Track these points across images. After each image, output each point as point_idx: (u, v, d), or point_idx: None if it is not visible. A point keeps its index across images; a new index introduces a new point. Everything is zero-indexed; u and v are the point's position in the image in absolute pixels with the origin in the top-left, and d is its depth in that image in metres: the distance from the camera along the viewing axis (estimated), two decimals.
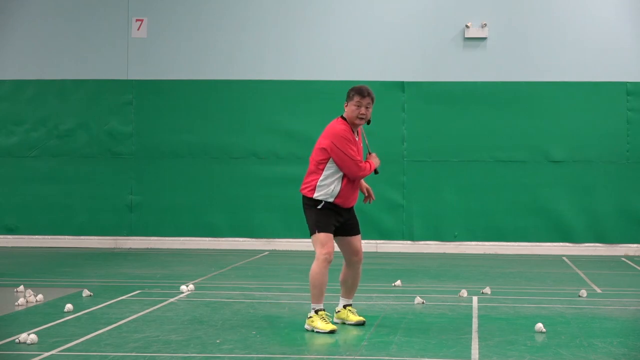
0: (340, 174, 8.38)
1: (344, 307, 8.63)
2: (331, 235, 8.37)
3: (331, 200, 8.38)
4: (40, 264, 14.35)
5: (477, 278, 12.62)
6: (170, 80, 17.21)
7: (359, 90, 8.40)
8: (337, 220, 8.42)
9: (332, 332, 8.21)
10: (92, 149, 17.25)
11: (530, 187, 16.58)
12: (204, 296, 10.57)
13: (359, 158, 8.42)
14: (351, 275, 8.57)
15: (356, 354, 7.41)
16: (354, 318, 8.57)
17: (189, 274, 12.81)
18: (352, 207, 8.55)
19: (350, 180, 8.42)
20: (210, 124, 17.11)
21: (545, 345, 7.78)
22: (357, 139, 8.49)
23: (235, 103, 17.09)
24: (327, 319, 8.31)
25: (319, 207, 8.37)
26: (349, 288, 8.62)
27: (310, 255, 8.83)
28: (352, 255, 8.50)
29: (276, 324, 8.63)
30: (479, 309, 9.76)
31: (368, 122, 8.50)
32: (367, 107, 8.38)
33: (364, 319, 8.61)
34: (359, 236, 8.58)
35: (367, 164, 8.51)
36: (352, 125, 8.46)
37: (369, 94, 8.41)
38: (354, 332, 8.34)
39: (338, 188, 8.37)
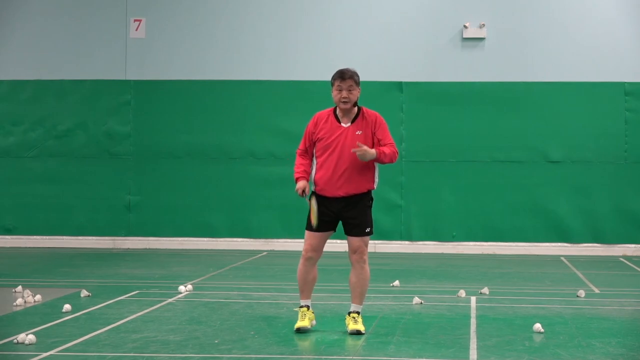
0: (315, 160, 8.34)
1: (349, 313, 8.28)
2: (312, 233, 8.26)
3: (313, 189, 8.35)
4: (39, 264, 14.35)
5: (475, 278, 12.63)
6: (169, 81, 17.21)
7: (340, 74, 8.24)
8: (325, 212, 8.22)
9: (297, 330, 8.23)
10: (90, 149, 17.24)
11: (528, 188, 16.59)
12: (202, 296, 10.57)
13: (300, 147, 8.39)
14: (353, 274, 8.27)
15: (354, 354, 7.41)
16: (352, 325, 8.16)
17: (187, 274, 12.81)
18: (347, 199, 8.19)
19: (322, 165, 8.23)
20: (208, 124, 17.11)
21: (544, 346, 7.79)
22: (345, 125, 8.22)
23: (233, 103, 17.10)
24: (303, 317, 8.28)
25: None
26: (352, 290, 8.27)
27: None
28: (350, 253, 8.31)
29: (274, 324, 8.63)
30: (477, 309, 9.76)
31: (355, 105, 8.26)
32: (349, 90, 8.19)
33: (359, 330, 8.13)
34: (360, 237, 8.22)
35: (297, 169, 8.28)
36: (340, 112, 8.29)
37: (350, 77, 8.21)
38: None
39: (313, 174, 8.32)
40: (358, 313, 8.27)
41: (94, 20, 17.35)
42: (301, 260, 8.38)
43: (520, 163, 16.66)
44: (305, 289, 8.36)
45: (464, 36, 16.77)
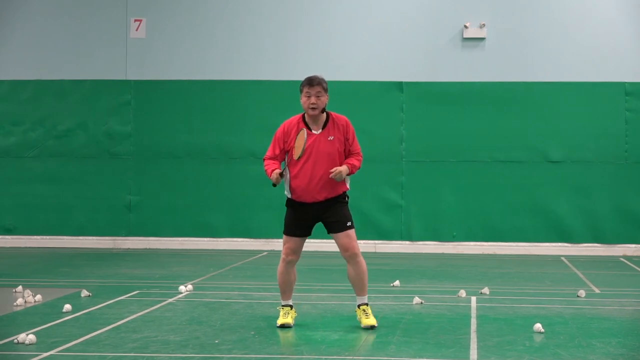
0: (287, 169, 8.46)
1: (358, 306, 8.53)
2: (291, 238, 8.45)
3: (290, 196, 8.51)
4: (39, 264, 14.35)
5: (475, 278, 12.62)
6: (169, 81, 17.21)
7: (308, 81, 8.42)
8: (302, 217, 8.43)
9: (281, 326, 8.45)
10: (91, 149, 17.25)
11: (528, 188, 16.59)
12: (202, 296, 10.58)
13: (268, 154, 8.49)
14: (351, 270, 8.48)
15: (354, 354, 7.41)
16: (365, 321, 8.43)
17: (187, 274, 12.81)
18: (325, 203, 8.40)
19: (296, 174, 8.38)
20: (208, 124, 17.11)
21: (544, 346, 7.79)
22: (316, 132, 8.36)
23: (233, 103, 17.10)
24: (286, 315, 8.51)
25: (286, 204, 8.57)
26: (354, 285, 8.53)
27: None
28: (342, 252, 8.51)
29: (274, 324, 8.62)
30: (478, 309, 9.76)
31: (323, 111, 8.42)
32: (317, 96, 8.35)
33: (374, 323, 8.42)
34: (344, 232, 8.41)
35: (269, 167, 8.39)
36: (309, 118, 8.43)
37: (318, 83, 8.38)
38: (353, 332, 8.34)
39: (288, 183, 8.48)
40: (367, 304, 8.51)
41: (94, 20, 17.35)
42: (281, 264, 8.57)
43: (520, 163, 16.65)
44: (287, 290, 8.61)
45: (464, 36, 16.77)
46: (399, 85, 16.82)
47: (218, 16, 17.21)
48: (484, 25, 16.74)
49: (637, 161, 16.48)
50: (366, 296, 8.54)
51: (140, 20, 17.27)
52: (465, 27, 16.74)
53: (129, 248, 17.00)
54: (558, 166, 16.61)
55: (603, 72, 16.54)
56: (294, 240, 8.47)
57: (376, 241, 16.63)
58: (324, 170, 8.34)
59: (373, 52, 16.92)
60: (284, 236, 8.52)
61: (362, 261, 8.49)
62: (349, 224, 8.45)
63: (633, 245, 16.42)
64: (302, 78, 17.85)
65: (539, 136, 16.61)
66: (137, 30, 17.26)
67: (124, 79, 17.26)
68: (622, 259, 15.77)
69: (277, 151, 8.47)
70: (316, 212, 8.44)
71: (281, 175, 8.31)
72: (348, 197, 8.59)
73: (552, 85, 16.62)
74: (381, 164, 16.55)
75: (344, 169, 8.32)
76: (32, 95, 17.33)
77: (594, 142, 16.54)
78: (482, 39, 16.78)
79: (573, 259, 15.61)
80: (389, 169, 16.69)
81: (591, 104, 16.56)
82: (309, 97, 8.37)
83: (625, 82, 16.50)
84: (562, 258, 15.74)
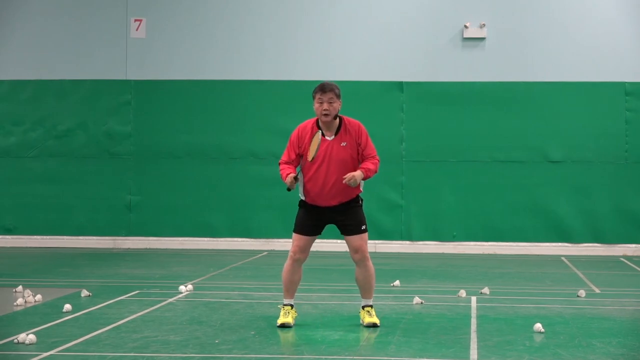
0: (301, 174, 8.48)
1: (362, 307, 8.63)
2: (301, 236, 8.49)
3: (303, 198, 8.55)
4: (39, 264, 14.35)
5: (475, 278, 12.62)
6: (169, 81, 17.21)
7: (321, 87, 8.46)
8: (316, 219, 8.47)
9: (281, 325, 8.45)
10: (91, 149, 17.24)
11: (528, 187, 16.59)
12: (202, 296, 10.57)
13: (284, 159, 8.48)
14: (359, 273, 8.59)
15: (354, 354, 7.41)
16: (367, 319, 8.54)
17: (187, 274, 12.81)
18: (339, 207, 8.48)
19: (309, 178, 8.40)
20: (208, 124, 17.11)
21: (544, 346, 7.79)
22: (329, 138, 8.40)
23: (234, 103, 17.10)
24: (287, 315, 8.51)
25: (299, 205, 8.60)
26: (361, 287, 8.63)
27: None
28: (351, 253, 8.61)
29: (274, 324, 8.62)
30: (478, 309, 9.76)
31: (336, 117, 8.44)
32: (330, 102, 8.37)
33: (377, 322, 8.53)
34: (358, 235, 8.55)
35: (284, 171, 8.35)
36: (322, 124, 8.45)
37: (331, 89, 8.42)
38: (353, 332, 8.35)
39: (302, 186, 8.50)
40: (371, 306, 8.62)
41: (94, 20, 17.35)
42: (288, 262, 8.60)
43: (520, 163, 16.65)
44: (291, 289, 8.63)
45: (464, 36, 16.77)
46: (399, 85, 16.82)
47: (218, 16, 17.21)
48: (484, 25, 16.74)
49: (637, 161, 16.48)
50: (371, 299, 8.65)
51: (140, 20, 17.27)
52: (465, 27, 16.74)
53: (129, 248, 17.00)
54: (558, 166, 16.61)
55: (603, 72, 16.54)
56: (304, 238, 8.50)
57: (376, 241, 16.62)
58: (337, 176, 8.36)
59: (373, 52, 16.92)
60: (294, 234, 8.56)
61: (371, 265, 8.61)
62: (363, 227, 8.60)
63: (633, 245, 16.42)
64: (302, 78, 17.97)
65: (539, 136, 16.61)
66: (137, 30, 17.26)
67: (124, 79, 17.26)
68: (622, 259, 15.77)
69: (293, 156, 8.48)
70: (330, 215, 8.51)
71: (295, 179, 8.30)
72: (362, 200, 8.67)
73: (552, 85, 16.62)
74: (381, 163, 16.46)
75: (358, 174, 8.34)
76: (32, 95, 17.33)
77: (594, 142, 16.54)
78: (482, 39, 16.78)
79: (573, 259, 15.61)
80: (389, 169, 16.68)
81: (591, 104, 16.56)
82: (321, 103, 8.40)
83: (625, 82, 16.50)
84: (562, 258, 15.74)
